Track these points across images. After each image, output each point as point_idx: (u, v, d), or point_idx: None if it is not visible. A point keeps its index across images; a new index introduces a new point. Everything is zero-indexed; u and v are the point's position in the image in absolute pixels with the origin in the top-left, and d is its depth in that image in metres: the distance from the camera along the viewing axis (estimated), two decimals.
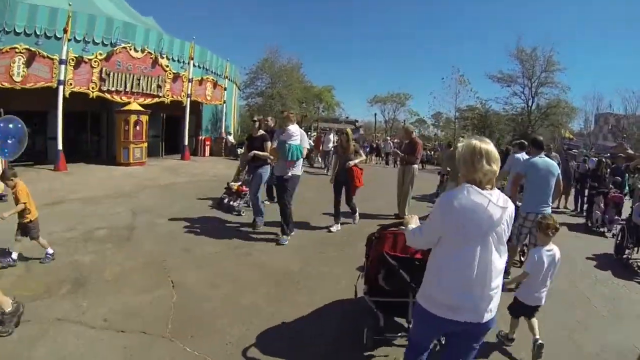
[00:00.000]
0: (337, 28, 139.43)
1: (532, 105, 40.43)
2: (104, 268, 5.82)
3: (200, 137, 22.29)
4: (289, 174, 7.17)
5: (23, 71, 14.51)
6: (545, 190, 5.72)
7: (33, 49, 14.62)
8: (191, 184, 13.89)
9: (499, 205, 2.29)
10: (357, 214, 9.05)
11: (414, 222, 2.83)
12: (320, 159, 21.51)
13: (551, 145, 13.58)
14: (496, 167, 2.33)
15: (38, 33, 15.72)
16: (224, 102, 22.71)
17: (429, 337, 2.69)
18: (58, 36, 15.35)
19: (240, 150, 21.36)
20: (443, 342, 3.16)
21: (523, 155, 7.57)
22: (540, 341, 3.81)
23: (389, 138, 29.96)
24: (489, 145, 2.36)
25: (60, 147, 15.04)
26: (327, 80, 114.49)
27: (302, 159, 7.49)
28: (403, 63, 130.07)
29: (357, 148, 8.89)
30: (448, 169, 10.26)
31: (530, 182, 5.83)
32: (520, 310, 4.03)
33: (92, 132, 19.64)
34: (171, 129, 21.14)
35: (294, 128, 7.36)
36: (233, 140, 22.64)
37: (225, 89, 22.60)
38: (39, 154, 16.12)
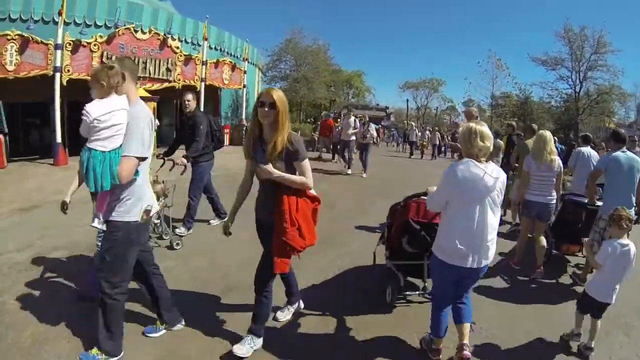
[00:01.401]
0: (366, 8, 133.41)
1: (580, 91, 35.93)
2: (27, 323, 3.91)
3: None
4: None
5: (16, 59, 13.18)
6: (630, 189, 5.25)
7: (26, 35, 13.27)
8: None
9: (492, 175, 2.96)
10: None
11: (434, 191, 3.35)
12: (325, 149, 19.06)
13: (635, 137, 11.00)
14: (489, 143, 3.02)
15: (35, 19, 14.48)
16: (244, 86, 20.78)
17: (446, 285, 3.28)
18: (56, 20, 13.84)
19: None
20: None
21: (589, 150, 7.20)
22: (591, 345, 3.75)
23: (413, 124, 26.81)
24: (483, 127, 3.03)
25: (59, 139, 13.67)
26: (356, 65, 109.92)
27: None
28: (437, 46, 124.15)
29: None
30: (516, 164, 7.93)
31: (612, 180, 5.34)
32: (588, 306, 3.84)
33: None
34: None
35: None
36: None
37: (245, 72, 20.67)
38: (47, 148, 14.92)
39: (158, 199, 5.75)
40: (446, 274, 3.17)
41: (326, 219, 8.27)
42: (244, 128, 20.46)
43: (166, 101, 18.00)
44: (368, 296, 4.58)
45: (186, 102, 6.58)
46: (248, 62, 21.38)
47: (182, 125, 6.92)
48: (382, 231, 4.70)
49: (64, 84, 13.66)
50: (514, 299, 4.83)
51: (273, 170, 3.03)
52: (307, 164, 3.21)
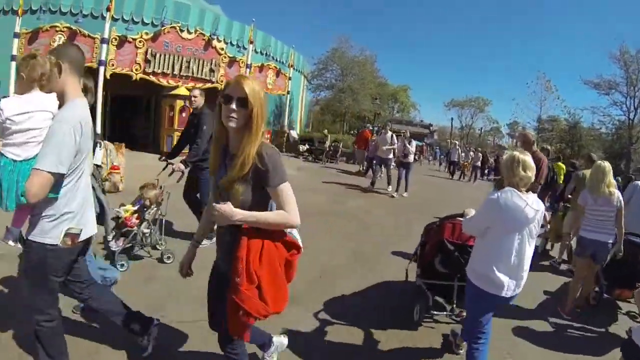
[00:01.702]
0: (415, 22, 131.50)
1: (634, 118, 32.85)
2: None
3: None
4: None
5: None
6: None
7: (74, 28, 13.31)
8: None
9: (533, 207, 2.88)
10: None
11: (471, 214, 3.37)
12: (359, 164, 17.50)
13: None
14: (531, 173, 2.93)
15: (85, 13, 14.40)
16: (288, 92, 20.10)
17: (484, 311, 3.11)
18: (104, 16, 13.68)
19: (302, 147, 18.66)
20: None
21: None
22: None
23: (457, 142, 25.12)
24: (526, 157, 2.96)
25: (98, 131, 13.22)
26: (402, 79, 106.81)
27: None
28: (485, 64, 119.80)
29: None
30: (569, 195, 7.23)
31: None
32: (634, 356, 3.13)
33: (144, 118, 18.40)
34: None
35: None
36: (296, 136, 19.90)
37: (290, 79, 20.02)
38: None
39: (150, 206, 4.95)
40: (481, 302, 3.08)
41: (361, 237, 7.39)
42: (286, 135, 19.72)
43: (210, 103, 17.60)
44: (396, 312, 4.49)
45: (192, 98, 5.73)
46: (293, 68, 20.76)
47: (189, 125, 5.96)
48: (416, 249, 4.66)
49: (107, 77, 13.56)
50: (560, 347, 4.24)
51: (234, 212, 1.95)
52: (287, 190, 2.12)
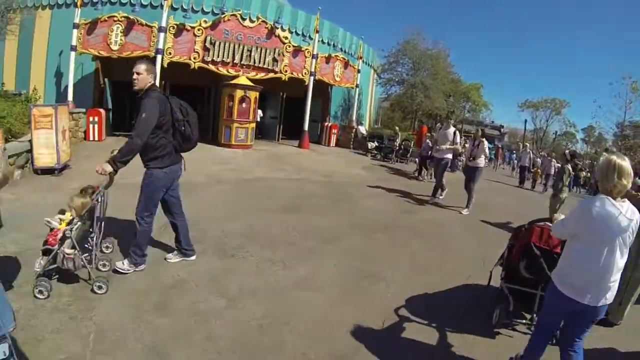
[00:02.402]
0: (491, 15, 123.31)
1: None
2: None
3: (327, 124, 18.10)
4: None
5: (120, 39, 12.60)
6: None
7: (132, 17, 12.50)
8: (285, 184, 9.41)
9: (627, 216, 2.64)
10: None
11: (560, 218, 3.13)
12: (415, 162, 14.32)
13: None
14: (626, 181, 2.64)
15: (144, 3, 13.69)
16: (357, 85, 18.21)
17: (556, 315, 3.02)
18: (163, 4, 12.63)
19: (371, 144, 16.58)
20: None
21: None
22: None
23: (528, 145, 20.87)
24: (624, 162, 2.66)
25: None
26: (473, 77, 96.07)
27: None
28: (562, 63, 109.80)
29: None
30: None
31: None
32: None
33: (203, 107, 17.20)
34: (294, 111, 17.36)
35: None
36: (364, 132, 17.86)
37: (359, 71, 18.14)
38: None
39: (72, 220, 3.63)
40: (559, 304, 2.91)
41: (434, 262, 5.60)
42: (354, 131, 17.75)
43: (272, 93, 16.13)
44: (474, 314, 4.18)
45: (134, 76, 3.99)
46: (362, 61, 18.86)
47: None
48: (503, 252, 4.44)
49: (165, 66, 12.54)
50: None
51: None
52: None
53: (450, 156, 9.10)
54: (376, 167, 13.91)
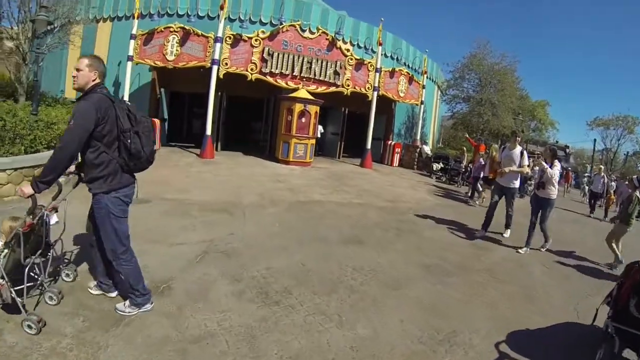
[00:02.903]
0: (558, 28, 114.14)
1: None
2: None
3: (390, 142, 16.68)
4: None
5: (176, 50, 12.01)
6: None
7: (187, 27, 11.86)
8: (345, 209, 8.06)
9: None
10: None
11: None
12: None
13: None
14: None
15: (201, 14, 13.02)
16: (422, 102, 16.73)
17: None
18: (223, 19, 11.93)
19: (436, 165, 14.92)
20: None
21: None
22: None
23: (602, 168, 17.34)
24: None
25: (209, 131, 12.05)
26: (538, 93, 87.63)
27: None
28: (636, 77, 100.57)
29: None
30: None
31: None
32: None
33: (260, 121, 16.65)
34: (355, 127, 16.20)
35: None
36: (429, 152, 16.21)
37: (423, 87, 16.67)
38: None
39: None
40: None
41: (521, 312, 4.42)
42: (418, 150, 16.20)
43: (333, 107, 14.97)
44: (573, 354, 3.76)
45: (74, 72, 3.00)
46: (427, 76, 17.37)
47: None
48: (612, 289, 4.04)
49: (221, 77, 11.82)
50: None
51: None
52: None
53: (517, 183, 7.20)
54: (442, 190, 12.23)
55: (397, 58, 16.67)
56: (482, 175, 10.60)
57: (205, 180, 9.06)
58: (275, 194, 8.48)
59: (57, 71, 15.63)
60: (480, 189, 10.84)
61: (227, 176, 9.69)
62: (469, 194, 11.16)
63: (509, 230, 7.43)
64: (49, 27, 9.53)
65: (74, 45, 13.53)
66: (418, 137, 17.04)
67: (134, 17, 12.12)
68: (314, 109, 12.19)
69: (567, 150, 49.95)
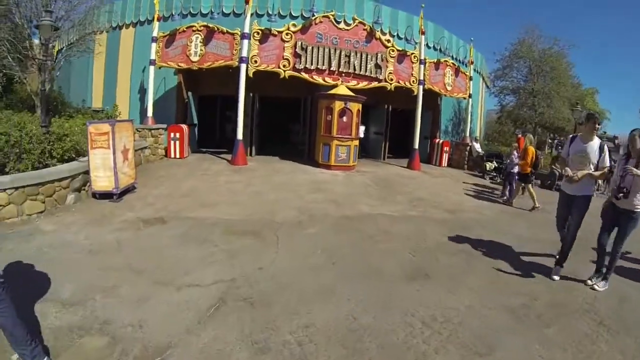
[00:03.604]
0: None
1: None
2: None
3: (437, 140, 14.85)
4: None
5: (200, 50, 10.81)
6: None
7: (211, 25, 10.72)
8: (400, 225, 6.45)
9: None
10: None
11: None
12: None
13: None
14: None
15: (226, 12, 11.79)
16: (470, 95, 14.89)
17: None
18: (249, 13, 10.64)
19: (490, 165, 13.06)
20: None
21: None
22: None
23: None
24: None
25: (240, 136, 10.72)
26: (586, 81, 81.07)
27: None
28: None
29: None
30: None
31: None
32: None
33: (297, 122, 15.51)
34: (398, 126, 14.70)
35: None
36: (480, 150, 14.29)
37: (471, 79, 14.84)
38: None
39: None
40: None
41: None
42: (468, 148, 14.34)
43: (375, 105, 13.39)
44: None
45: None
46: (473, 67, 15.47)
47: None
48: None
49: (250, 75, 10.47)
50: None
51: None
52: None
53: (592, 190, 4.76)
54: (500, 194, 10.23)
55: (439, 49, 14.92)
56: (516, 171, 9.08)
57: (235, 192, 7.70)
58: (315, 207, 7.02)
59: (84, 81, 14.82)
60: (514, 187, 9.18)
61: (259, 186, 8.30)
62: (507, 193, 9.40)
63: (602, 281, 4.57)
64: (56, 33, 8.45)
65: (99, 54, 12.73)
66: (467, 134, 15.14)
67: (155, 20, 11.04)
68: (355, 107, 10.64)
69: (616, 142, 46.02)
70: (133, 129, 7.68)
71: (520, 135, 11.49)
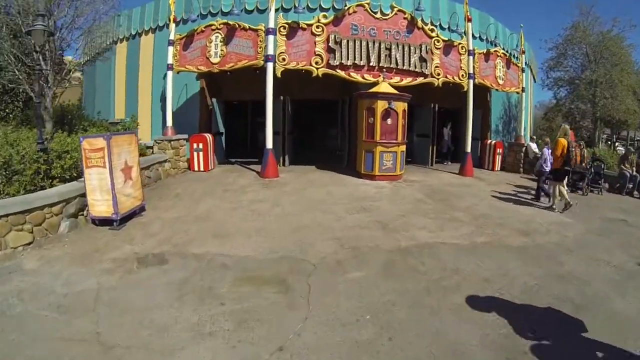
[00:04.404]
0: None
1: None
2: None
3: (489, 142, 12.94)
4: None
5: (221, 50, 9.43)
6: None
7: (232, 23, 9.32)
8: (473, 262, 4.75)
9: None
10: None
11: None
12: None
13: None
14: None
15: (249, 8, 10.40)
16: (523, 89, 12.93)
17: None
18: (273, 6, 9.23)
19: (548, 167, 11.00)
20: None
21: None
22: None
23: None
24: None
25: (269, 144, 9.27)
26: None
27: None
28: None
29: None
30: None
31: None
32: None
33: (334, 126, 13.97)
34: (442, 127, 12.80)
35: None
36: (537, 150, 12.21)
37: (523, 71, 12.89)
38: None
39: None
40: None
41: None
42: (523, 149, 12.35)
43: (420, 104, 11.55)
44: None
45: None
46: (525, 59, 13.49)
47: None
48: None
49: (279, 75, 8.98)
50: None
51: None
52: None
53: None
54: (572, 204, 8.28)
55: (486, 38, 13.06)
56: (547, 168, 7.94)
57: (259, 214, 6.21)
58: (359, 234, 5.41)
59: (107, 93, 13.85)
60: (547, 187, 7.95)
61: (290, 205, 6.77)
62: (548, 196, 7.89)
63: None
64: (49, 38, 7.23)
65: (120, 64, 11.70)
66: (522, 133, 13.10)
67: (171, 22, 9.78)
68: (401, 107, 8.99)
69: None
70: (136, 142, 6.30)
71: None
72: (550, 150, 8.04)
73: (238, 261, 4.42)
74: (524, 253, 5.04)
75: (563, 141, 7.13)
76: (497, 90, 12.05)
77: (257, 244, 4.95)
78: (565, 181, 7.59)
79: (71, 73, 10.15)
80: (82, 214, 5.86)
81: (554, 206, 7.43)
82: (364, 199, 7.28)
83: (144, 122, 12.19)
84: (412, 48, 9.79)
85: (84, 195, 5.74)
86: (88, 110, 16.15)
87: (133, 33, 12.57)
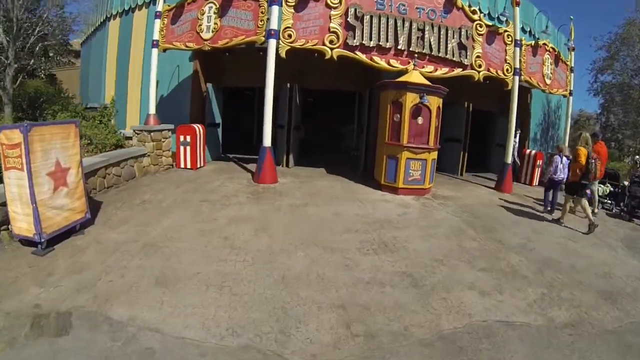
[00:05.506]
0: None
1: None
2: None
3: (528, 151, 10.53)
4: None
5: (214, 24, 7.32)
6: None
7: None
8: (558, 353, 2.83)
9: None
10: None
11: None
12: None
13: None
14: None
15: None
16: (571, 92, 10.73)
17: None
18: None
19: (603, 189, 8.98)
20: None
21: None
22: None
23: None
24: None
25: (266, 142, 7.16)
26: None
27: None
28: None
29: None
30: None
31: None
32: None
33: (349, 123, 12.18)
34: (476, 130, 10.38)
35: None
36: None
37: (572, 70, 10.69)
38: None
39: None
40: None
41: None
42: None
43: (452, 101, 8.84)
44: None
45: None
46: (573, 56, 11.26)
47: None
48: None
49: (283, 56, 6.88)
50: None
51: None
52: None
53: None
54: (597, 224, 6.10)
55: (529, 30, 10.87)
56: (562, 179, 6.99)
57: (233, 249, 4.23)
58: (378, 302, 3.36)
59: (98, 76, 12.06)
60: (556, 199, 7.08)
61: (282, 232, 4.75)
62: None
63: None
64: None
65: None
66: (566, 145, 10.83)
67: None
68: (435, 103, 6.87)
69: None
70: (76, 135, 4.36)
71: (600, 139, 7.75)
72: (561, 159, 7.11)
73: (172, 347, 2.48)
74: (623, 341, 3.01)
75: (584, 150, 6.12)
76: (543, 91, 9.80)
77: (214, 309, 2.99)
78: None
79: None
80: (7, 228, 4.12)
81: (561, 220, 6.49)
82: (385, 226, 5.22)
83: (133, 107, 10.35)
84: (449, 31, 7.66)
85: (4, 204, 4.00)
86: (82, 94, 14.47)
87: (126, 8, 10.72)
